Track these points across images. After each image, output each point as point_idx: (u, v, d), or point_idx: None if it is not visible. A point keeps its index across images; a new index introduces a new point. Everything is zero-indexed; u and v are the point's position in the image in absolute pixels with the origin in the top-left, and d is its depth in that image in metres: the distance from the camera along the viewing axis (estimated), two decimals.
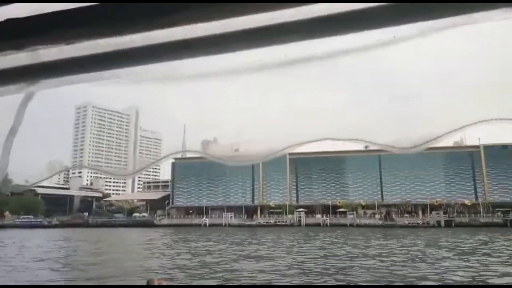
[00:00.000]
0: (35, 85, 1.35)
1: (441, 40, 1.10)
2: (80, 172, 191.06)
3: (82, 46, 1.19)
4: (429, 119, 1.47)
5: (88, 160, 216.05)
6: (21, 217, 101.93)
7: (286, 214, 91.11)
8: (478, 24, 1.04)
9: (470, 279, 18.51)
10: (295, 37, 1.14)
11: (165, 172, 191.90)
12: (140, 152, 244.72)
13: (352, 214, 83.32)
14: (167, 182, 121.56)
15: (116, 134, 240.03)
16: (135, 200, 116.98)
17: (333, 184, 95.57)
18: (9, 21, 1.14)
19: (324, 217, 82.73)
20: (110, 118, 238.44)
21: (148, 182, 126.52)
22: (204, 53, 1.21)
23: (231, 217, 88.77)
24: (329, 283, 18.16)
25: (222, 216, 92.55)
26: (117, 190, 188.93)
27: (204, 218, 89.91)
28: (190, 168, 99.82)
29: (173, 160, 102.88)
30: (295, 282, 18.33)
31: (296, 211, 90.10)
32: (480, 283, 17.79)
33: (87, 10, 1.09)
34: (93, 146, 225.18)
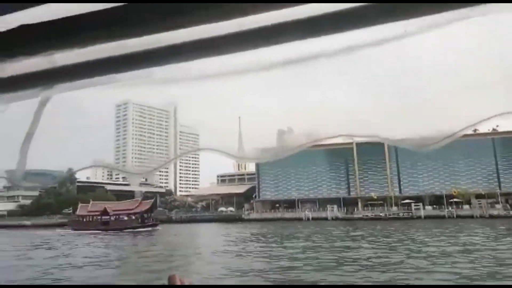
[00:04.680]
0: (51, 89, 1.34)
1: (451, 33, 1.10)
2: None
3: (96, 49, 1.19)
4: (444, 112, 1.41)
5: (132, 154, 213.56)
6: None
7: (391, 206, 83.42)
8: (487, 16, 1.02)
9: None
10: (300, 35, 1.12)
11: (205, 166, 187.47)
12: (180, 148, 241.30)
13: (480, 204, 74.72)
14: (243, 175, 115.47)
15: (157, 131, 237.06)
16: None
17: (441, 172, 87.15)
18: (22, 27, 1.13)
19: (450, 208, 74.58)
20: (150, 115, 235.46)
21: (222, 176, 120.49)
22: (209, 54, 1.20)
23: (336, 210, 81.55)
24: None
25: (316, 209, 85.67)
26: (160, 185, 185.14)
27: (306, 211, 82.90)
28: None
29: None
30: None
31: (402, 203, 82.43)
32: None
33: (99, 14, 1.09)
34: (136, 144, 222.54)
